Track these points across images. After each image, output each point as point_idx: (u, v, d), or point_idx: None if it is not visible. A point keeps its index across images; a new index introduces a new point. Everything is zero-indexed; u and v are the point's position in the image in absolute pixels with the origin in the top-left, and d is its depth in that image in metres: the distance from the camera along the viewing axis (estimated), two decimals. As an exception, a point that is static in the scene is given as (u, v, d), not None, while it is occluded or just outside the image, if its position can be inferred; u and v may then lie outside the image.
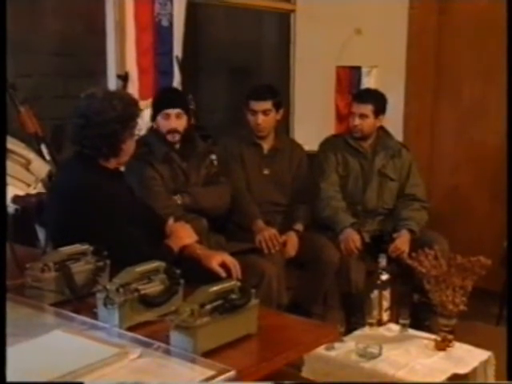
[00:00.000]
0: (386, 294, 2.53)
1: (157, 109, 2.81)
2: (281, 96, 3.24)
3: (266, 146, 3.20)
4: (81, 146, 2.11)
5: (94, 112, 2.06)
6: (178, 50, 3.45)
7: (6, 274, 1.48)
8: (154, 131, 2.82)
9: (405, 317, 2.51)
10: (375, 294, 2.51)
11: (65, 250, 1.71)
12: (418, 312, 2.94)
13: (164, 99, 2.83)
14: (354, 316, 2.93)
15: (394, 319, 2.57)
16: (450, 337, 2.35)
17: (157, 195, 2.66)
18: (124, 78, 3.28)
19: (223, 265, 2.28)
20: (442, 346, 2.32)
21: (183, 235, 2.29)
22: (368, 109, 3.19)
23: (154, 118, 2.82)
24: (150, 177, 2.68)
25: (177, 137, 2.77)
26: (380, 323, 2.53)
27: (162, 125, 2.77)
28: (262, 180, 3.16)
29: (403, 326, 2.50)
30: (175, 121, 2.75)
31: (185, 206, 2.74)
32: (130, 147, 2.18)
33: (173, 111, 2.74)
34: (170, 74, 3.43)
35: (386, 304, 2.53)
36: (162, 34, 3.39)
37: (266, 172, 3.18)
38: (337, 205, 3.20)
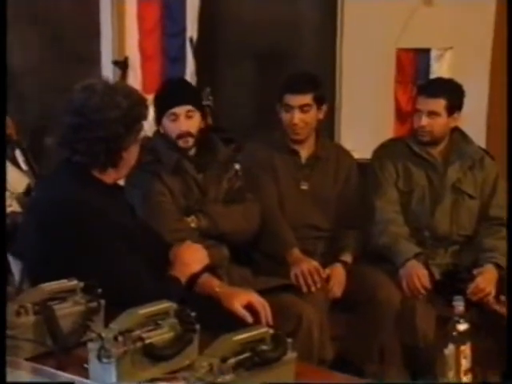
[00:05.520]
0: (466, 349, 2.47)
1: (161, 108, 2.84)
2: (324, 88, 3.25)
3: (305, 153, 3.20)
4: (71, 152, 2.14)
5: (92, 109, 2.09)
6: (192, 29, 3.49)
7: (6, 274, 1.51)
8: (160, 136, 2.85)
9: (493, 381, 2.47)
10: (450, 349, 2.46)
11: (47, 287, 1.72)
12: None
13: (168, 95, 2.86)
14: (422, 377, 2.90)
15: (479, 384, 2.53)
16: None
17: (165, 215, 2.69)
18: (123, 65, 3.34)
19: (249, 306, 2.28)
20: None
21: (190, 260, 2.29)
22: (439, 104, 3.17)
23: (158, 120, 2.86)
24: (157, 192, 2.71)
25: (190, 141, 2.80)
26: (458, 388, 2.49)
27: (170, 128, 2.80)
28: (300, 197, 3.17)
29: (491, 394, 2.46)
30: (185, 122, 2.78)
31: (200, 229, 2.76)
32: (132, 156, 2.21)
33: (181, 109, 2.78)
34: (181, 60, 3.48)
35: (465, 363, 2.47)
36: (172, 10, 3.44)
37: (304, 187, 3.19)
38: (397, 230, 3.18)
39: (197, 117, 2.81)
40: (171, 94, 2.88)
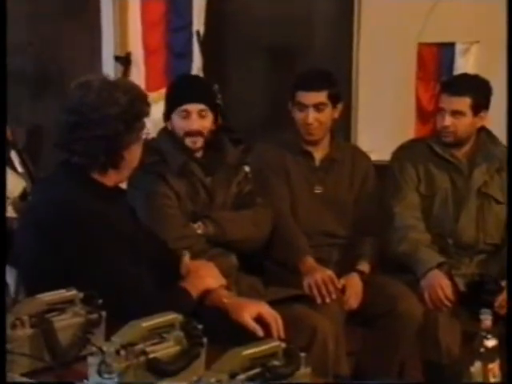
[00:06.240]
0: (494, 367, 2.46)
1: (172, 104, 2.86)
2: (339, 86, 3.25)
3: (319, 154, 3.21)
4: (68, 153, 2.15)
5: (89, 106, 2.11)
6: (198, 23, 3.49)
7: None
8: (167, 134, 2.87)
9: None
10: (477, 366, 2.44)
11: (44, 298, 1.72)
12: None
13: (182, 91, 2.89)
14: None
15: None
16: None
17: (170, 221, 2.70)
18: (125, 60, 3.34)
19: (260, 318, 2.27)
20: None
21: (206, 274, 2.31)
22: (464, 103, 3.16)
23: (167, 116, 2.87)
24: (162, 195, 2.72)
25: (199, 142, 2.81)
26: (485, 409, 2.48)
27: (179, 125, 2.82)
28: (313, 201, 3.17)
29: (522, 415, 2.44)
30: (197, 120, 2.79)
31: (208, 236, 2.76)
32: (134, 156, 2.22)
33: (194, 107, 2.79)
34: (187, 56, 3.49)
35: (494, 382, 2.47)
36: (177, 2, 3.44)
37: (318, 190, 3.19)
38: (418, 237, 3.17)
39: (209, 117, 2.83)
40: (185, 89, 2.90)
